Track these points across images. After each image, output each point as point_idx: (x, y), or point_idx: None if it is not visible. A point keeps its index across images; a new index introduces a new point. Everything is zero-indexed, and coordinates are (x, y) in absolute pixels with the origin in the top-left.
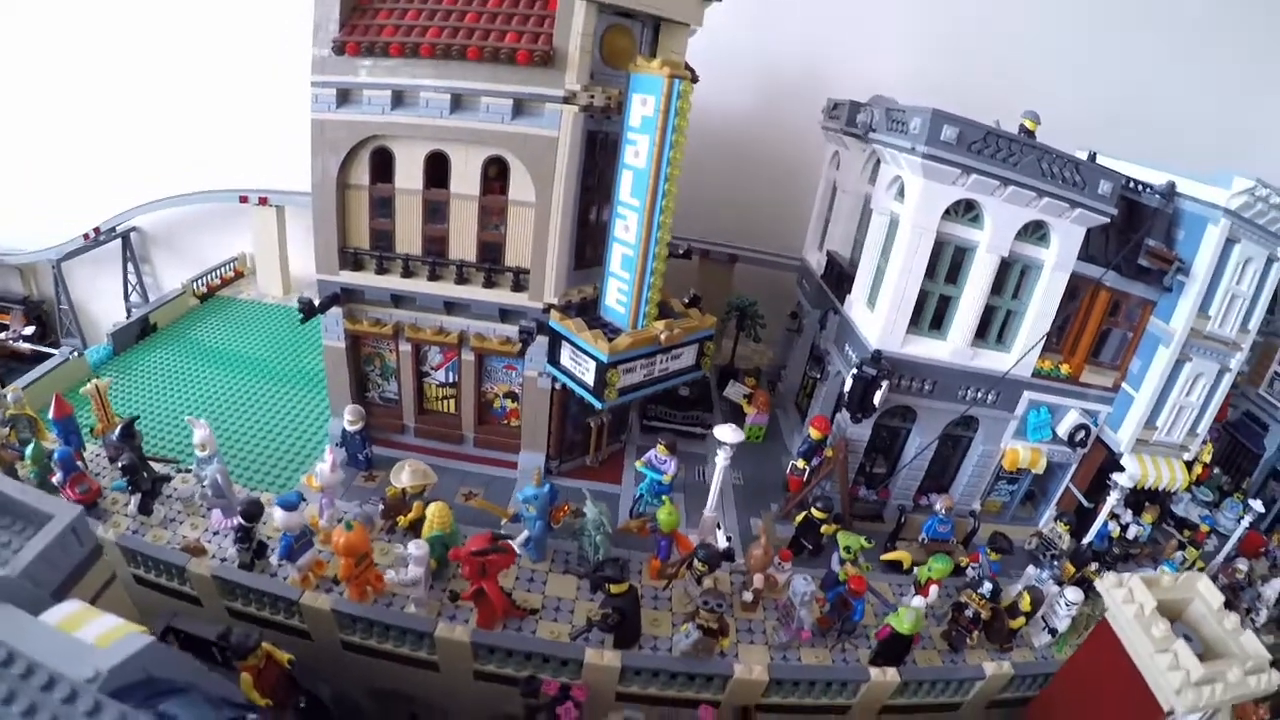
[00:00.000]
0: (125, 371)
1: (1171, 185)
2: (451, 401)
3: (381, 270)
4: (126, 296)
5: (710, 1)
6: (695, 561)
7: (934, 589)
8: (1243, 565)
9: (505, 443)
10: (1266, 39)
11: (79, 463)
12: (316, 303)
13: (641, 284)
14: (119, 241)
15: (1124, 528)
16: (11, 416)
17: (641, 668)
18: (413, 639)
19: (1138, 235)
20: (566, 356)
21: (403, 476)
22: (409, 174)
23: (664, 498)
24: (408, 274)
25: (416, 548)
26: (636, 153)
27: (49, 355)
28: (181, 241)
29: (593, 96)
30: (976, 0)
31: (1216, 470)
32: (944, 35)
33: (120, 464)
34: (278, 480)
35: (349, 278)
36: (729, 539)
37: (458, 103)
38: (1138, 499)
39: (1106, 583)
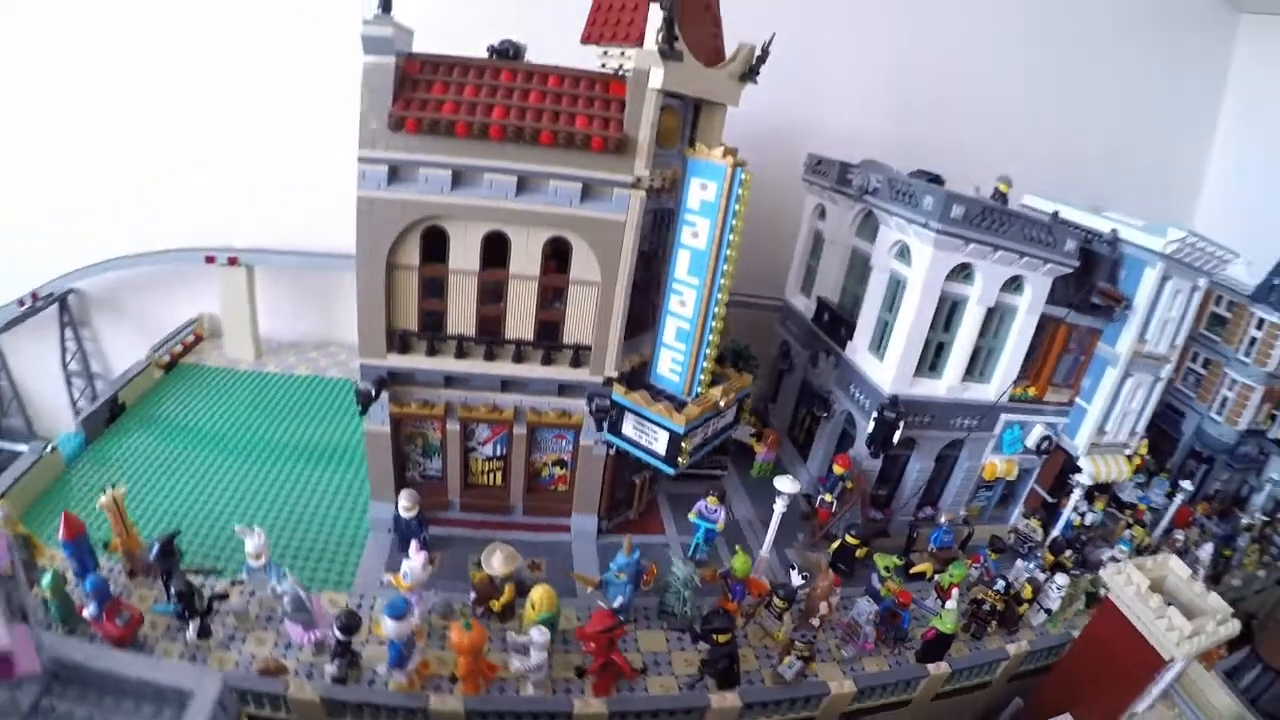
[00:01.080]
0: (103, 463)
1: (1115, 233)
2: (498, 474)
3: (433, 352)
4: (65, 366)
5: (746, 83)
6: (774, 599)
7: (955, 591)
8: (1180, 536)
9: (554, 508)
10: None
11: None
12: (365, 388)
13: (698, 355)
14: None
15: (1082, 516)
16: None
17: (755, 701)
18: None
19: (1092, 279)
20: (630, 426)
21: (494, 563)
22: (465, 254)
23: (737, 548)
24: (461, 354)
25: (540, 634)
26: (695, 234)
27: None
28: (126, 303)
29: (653, 180)
30: (927, 59)
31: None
32: (899, 96)
33: (174, 589)
34: (319, 575)
35: (397, 361)
36: (805, 577)
37: (523, 184)
38: (1089, 490)
39: (1108, 571)
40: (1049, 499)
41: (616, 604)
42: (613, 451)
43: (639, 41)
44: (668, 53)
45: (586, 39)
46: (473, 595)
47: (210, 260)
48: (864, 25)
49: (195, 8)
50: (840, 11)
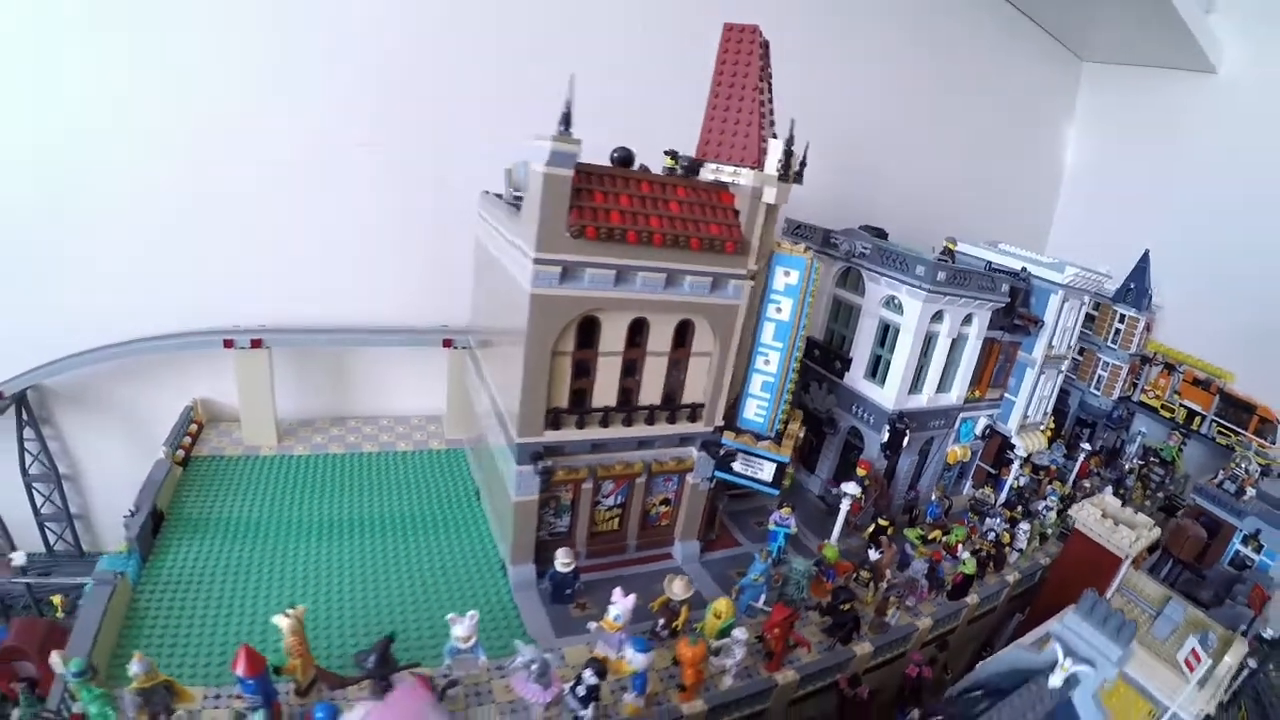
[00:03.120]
0: (174, 581)
1: (1025, 270)
2: (617, 519)
3: (581, 424)
4: (24, 472)
5: (792, 185)
6: (860, 573)
7: (961, 547)
8: (1085, 484)
9: (659, 540)
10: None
11: None
12: (537, 463)
13: (779, 402)
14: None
15: (1018, 480)
16: (142, 692)
17: (880, 644)
18: (749, 700)
19: (1014, 307)
20: (739, 463)
21: (676, 589)
22: (613, 338)
23: (827, 542)
24: (604, 423)
25: (741, 633)
26: (779, 309)
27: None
28: (96, 395)
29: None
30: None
31: None
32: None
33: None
34: (488, 641)
35: (553, 436)
36: (880, 553)
37: (669, 280)
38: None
39: (1076, 508)
40: (991, 471)
41: (760, 602)
42: (712, 485)
43: (756, 164)
44: (784, 177)
45: (702, 155)
46: (661, 620)
47: (229, 345)
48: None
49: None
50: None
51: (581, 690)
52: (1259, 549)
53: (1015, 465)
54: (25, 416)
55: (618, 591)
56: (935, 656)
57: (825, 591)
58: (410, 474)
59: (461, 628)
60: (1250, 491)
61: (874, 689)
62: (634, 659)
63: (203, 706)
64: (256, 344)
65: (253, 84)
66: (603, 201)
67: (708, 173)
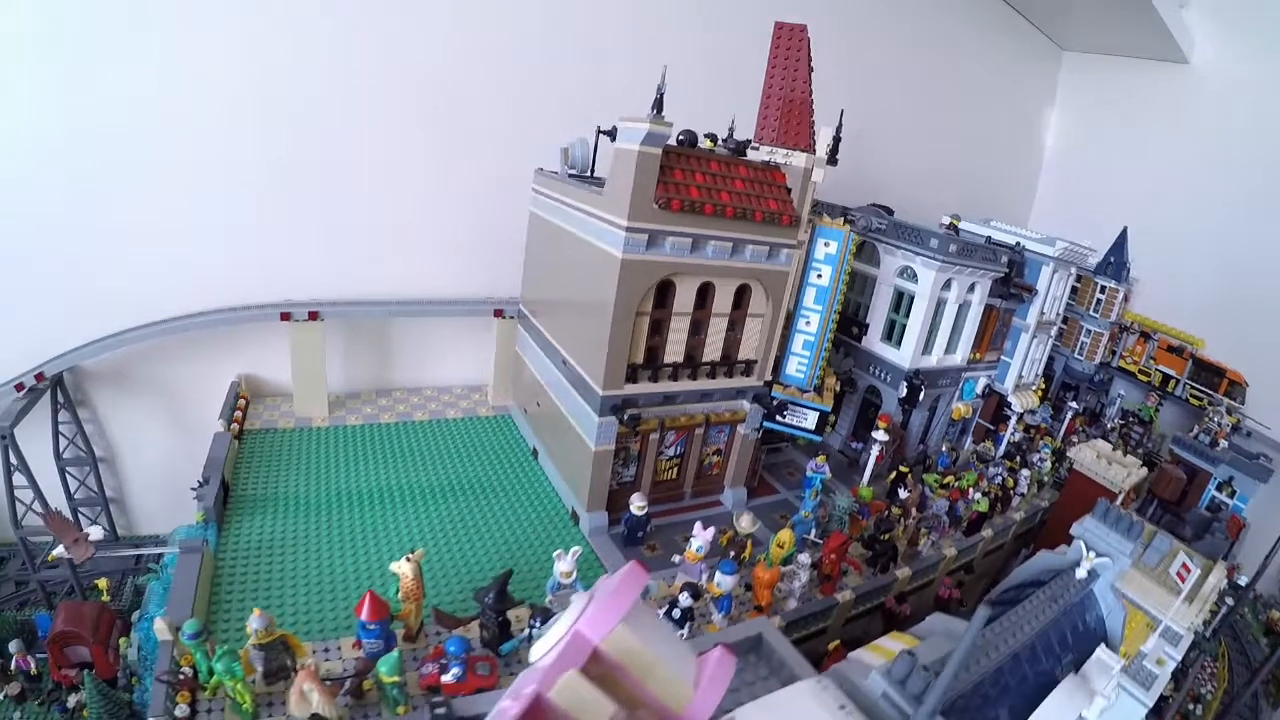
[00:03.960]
0: (251, 549)
1: (1020, 244)
2: (676, 469)
3: (654, 379)
4: (59, 456)
5: (828, 166)
6: (892, 510)
7: (972, 490)
8: (1073, 440)
9: (711, 488)
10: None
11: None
12: (621, 413)
13: (818, 359)
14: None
15: (1014, 435)
16: (264, 647)
17: (916, 570)
18: (815, 618)
19: (1011, 277)
20: (786, 414)
21: (742, 523)
22: (684, 300)
23: (863, 484)
24: (674, 378)
25: (805, 557)
26: (819, 275)
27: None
28: (132, 377)
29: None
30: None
31: None
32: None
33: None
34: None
35: (631, 389)
36: (909, 491)
37: (734, 248)
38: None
39: (1074, 450)
40: (990, 427)
41: (812, 535)
42: (759, 436)
43: (808, 147)
44: (832, 161)
45: (760, 140)
46: (732, 552)
47: (286, 318)
48: None
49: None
50: None
51: (676, 613)
52: (1232, 494)
53: (1012, 421)
54: (61, 399)
55: (698, 526)
56: (962, 580)
57: (861, 528)
58: (463, 438)
59: (565, 564)
60: (1223, 444)
61: (913, 610)
62: (722, 581)
63: (313, 660)
64: (314, 316)
65: (308, 57)
66: (682, 178)
67: (761, 155)
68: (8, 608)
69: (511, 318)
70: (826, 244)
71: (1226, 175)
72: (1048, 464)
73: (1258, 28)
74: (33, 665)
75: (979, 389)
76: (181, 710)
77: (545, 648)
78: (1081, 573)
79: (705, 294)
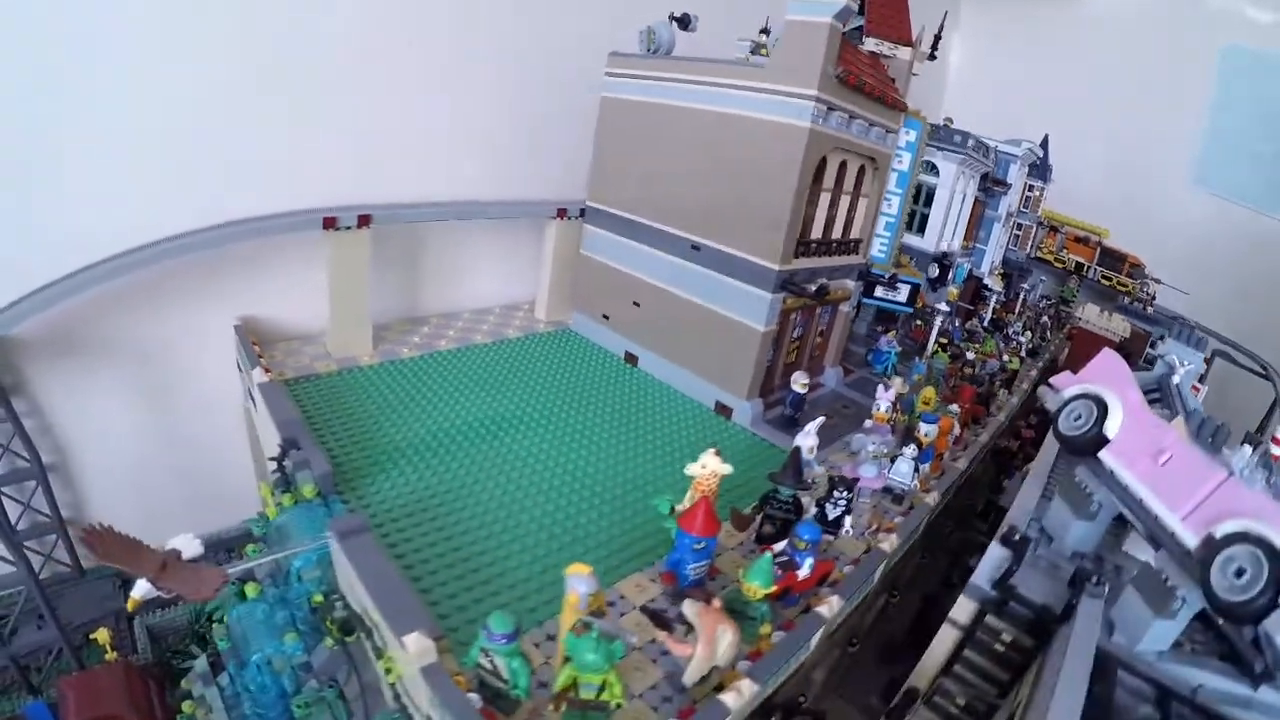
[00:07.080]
0: (391, 512)
1: (995, 145)
2: (796, 350)
3: (805, 254)
4: None
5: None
6: (964, 370)
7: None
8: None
9: (815, 369)
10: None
11: None
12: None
13: (898, 239)
14: None
15: (993, 311)
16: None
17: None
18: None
19: (990, 176)
20: (879, 290)
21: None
22: (830, 177)
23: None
24: (820, 254)
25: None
26: (900, 161)
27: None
28: (87, 341)
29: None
30: None
31: None
32: None
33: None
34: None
35: (796, 264)
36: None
37: (868, 127)
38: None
39: (1079, 309)
40: (969, 308)
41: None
42: (855, 315)
43: (908, 41)
44: (933, 55)
45: (869, 33)
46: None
47: (329, 224)
48: None
49: None
50: None
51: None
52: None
53: (992, 300)
54: None
55: (880, 388)
56: (1033, 423)
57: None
58: (541, 356)
59: (810, 438)
60: (1150, 310)
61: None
62: (930, 431)
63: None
64: (364, 221)
65: None
66: (849, 56)
67: (868, 46)
68: None
69: (574, 218)
70: (908, 132)
71: (1111, 94)
72: (1026, 334)
73: None
74: None
75: (964, 272)
76: None
77: None
78: (1177, 377)
79: (840, 172)
